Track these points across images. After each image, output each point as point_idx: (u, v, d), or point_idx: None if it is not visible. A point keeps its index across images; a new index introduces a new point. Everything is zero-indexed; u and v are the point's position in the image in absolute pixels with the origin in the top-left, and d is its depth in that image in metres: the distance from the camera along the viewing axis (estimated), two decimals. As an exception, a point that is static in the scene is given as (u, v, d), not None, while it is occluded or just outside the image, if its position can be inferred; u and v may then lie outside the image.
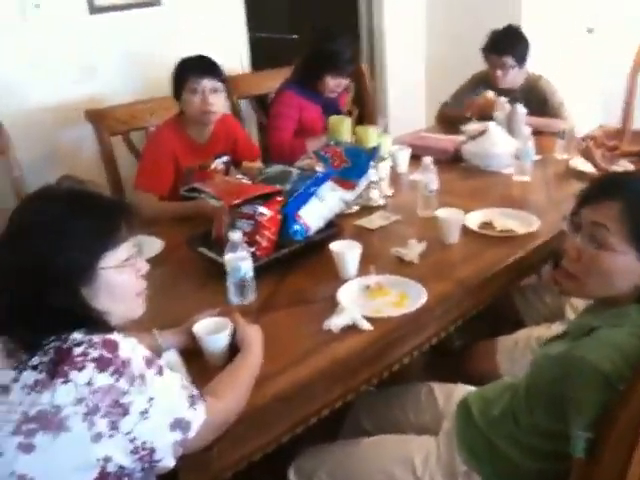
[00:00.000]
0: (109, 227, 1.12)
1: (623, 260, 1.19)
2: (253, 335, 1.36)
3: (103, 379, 0.99)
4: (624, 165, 2.44)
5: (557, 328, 1.77)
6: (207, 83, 2.27)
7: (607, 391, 1.08)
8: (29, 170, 2.48)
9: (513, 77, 2.96)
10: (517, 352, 1.76)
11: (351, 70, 2.87)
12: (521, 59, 2.95)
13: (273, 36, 4.75)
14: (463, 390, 1.55)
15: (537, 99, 2.94)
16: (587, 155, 2.36)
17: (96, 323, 1.07)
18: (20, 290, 1.06)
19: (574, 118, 2.96)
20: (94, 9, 2.78)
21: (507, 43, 2.93)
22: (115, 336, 1.05)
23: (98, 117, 2.59)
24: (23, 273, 1.06)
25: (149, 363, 1.07)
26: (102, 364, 1.00)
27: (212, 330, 1.37)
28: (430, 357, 1.76)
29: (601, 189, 1.26)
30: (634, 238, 1.18)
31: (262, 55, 3.64)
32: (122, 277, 1.13)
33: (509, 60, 2.92)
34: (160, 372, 1.08)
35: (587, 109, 4.76)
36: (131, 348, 1.05)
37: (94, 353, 1.00)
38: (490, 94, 2.91)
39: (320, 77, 2.77)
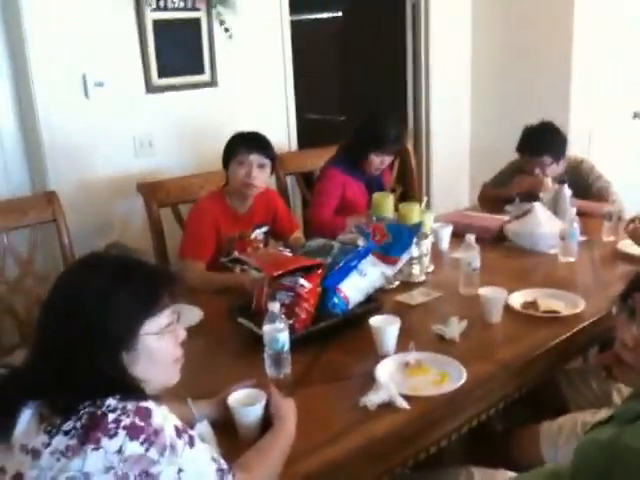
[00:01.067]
0: (152, 294, 1.14)
1: None
2: (287, 409, 1.34)
3: (134, 448, 0.98)
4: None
5: (603, 415, 1.69)
6: (255, 158, 2.36)
7: None
8: (79, 237, 2.57)
9: (553, 171, 2.90)
10: (561, 439, 1.67)
11: (396, 150, 2.93)
12: (558, 155, 2.90)
13: (323, 117, 4.94)
14: (505, 476, 1.48)
15: (579, 183, 2.89)
16: (635, 237, 2.31)
17: (132, 390, 1.08)
18: (61, 354, 1.08)
19: (619, 200, 2.91)
20: (151, 88, 2.93)
21: (542, 143, 2.88)
22: (149, 404, 1.05)
23: (149, 190, 2.69)
24: (66, 337, 1.08)
25: (180, 433, 1.06)
26: (134, 432, 0.99)
27: (246, 402, 1.36)
28: (470, 441, 1.69)
29: None
30: None
31: (312, 134, 3.77)
32: (162, 343, 1.14)
33: (547, 159, 2.87)
34: (191, 443, 1.07)
35: (632, 194, 4.70)
36: (163, 417, 1.04)
37: (126, 420, 1.00)
38: (540, 176, 2.89)
39: (365, 155, 2.84)
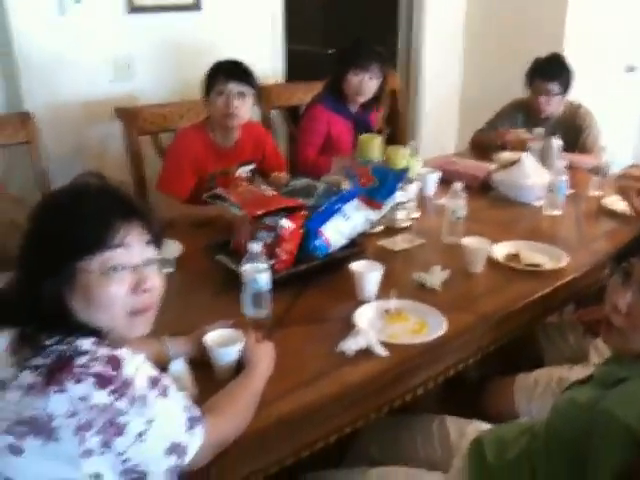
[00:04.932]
0: (102, 226, 1.02)
1: None
2: (261, 353, 1.32)
3: (100, 397, 0.93)
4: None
5: (579, 371, 1.70)
6: (234, 86, 2.25)
7: (633, 449, 1.01)
8: (55, 162, 2.48)
9: (556, 104, 2.91)
10: (536, 392, 1.69)
11: (374, 69, 2.72)
12: (566, 87, 2.90)
13: (308, 49, 4.75)
14: (477, 427, 1.49)
15: (575, 128, 2.89)
16: (625, 193, 2.28)
17: (77, 327, 1.02)
18: (20, 273, 1.05)
19: (605, 154, 2.89)
20: (132, 8, 2.78)
21: (554, 70, 2.89)
22: (122, 352, 0.99)
23: (128, 115, 2.58)
24: (24, 254, 1.05)
25: (153, 383, 1.01)
26: (102, 381, 0.94)
27: (223, 342, 1.33)
28: (444, 388, 1.69)
29: None
30: None
31: (296, 67, 3.64)
32: (103, 285, 1.01)
33: (555, 87, 2.87)
34: (164, 393, 1.02)
35: (620, 147, 4.68)
36: (136, 367, 0.99)
37: (96, 367, 0.95)
38: (523, 133, 2.85)
39: (345, 74, 2.70)
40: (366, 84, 2.72)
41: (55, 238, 1.02)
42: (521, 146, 2.76)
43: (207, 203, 1.97)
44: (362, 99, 2.78)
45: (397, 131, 3.46)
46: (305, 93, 3.11)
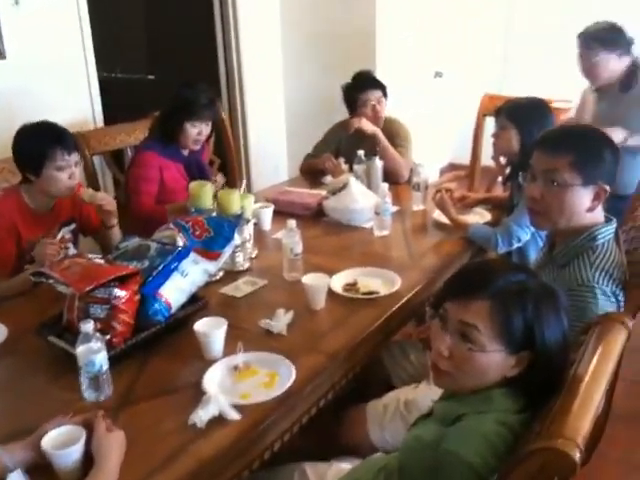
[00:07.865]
0: None
1: (494, 357, 1.17)
2: (108, 445, 1.25)
3: None
4: (480, 212, 2.58)
5: (424, 389, 1.81)
6: (73, 157, 2.18)
7: None
8: None
9: (383, 109, 3.08)
10: (387, 418, 1.77)
11: (210, 116, 2.77)
12: (385, 94, 3.11)
13: (130, 76, 4.63)
14: (336, 470, 1.52)
15: (391, 140, 3.05)
16: (442, 207, 2.45)
17: None
18: None
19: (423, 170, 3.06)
20: None
21: (375, 80, 3.13)
22: None
23: None
24: None
25: None
26: None
27: (63, 442, 1.25)
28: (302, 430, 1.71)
29: (468, 286, 1.21)
30: (503, 336, 1.16)
31: (118, 95, 3.52)
32: None
33: (379, 93, 3.08)
34: None
35: (439, 147, 5.05)
36: None
37: None
38: (339, 164, 2.96)
39: (180, 126, 2.68)
40: (203, 133, 2.74)
41: None
42: (339, 173, 2.86)
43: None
44: (198, 147, 2.78)
45: (228, 160, 3.44)
46: (128, 135, 3.00)
